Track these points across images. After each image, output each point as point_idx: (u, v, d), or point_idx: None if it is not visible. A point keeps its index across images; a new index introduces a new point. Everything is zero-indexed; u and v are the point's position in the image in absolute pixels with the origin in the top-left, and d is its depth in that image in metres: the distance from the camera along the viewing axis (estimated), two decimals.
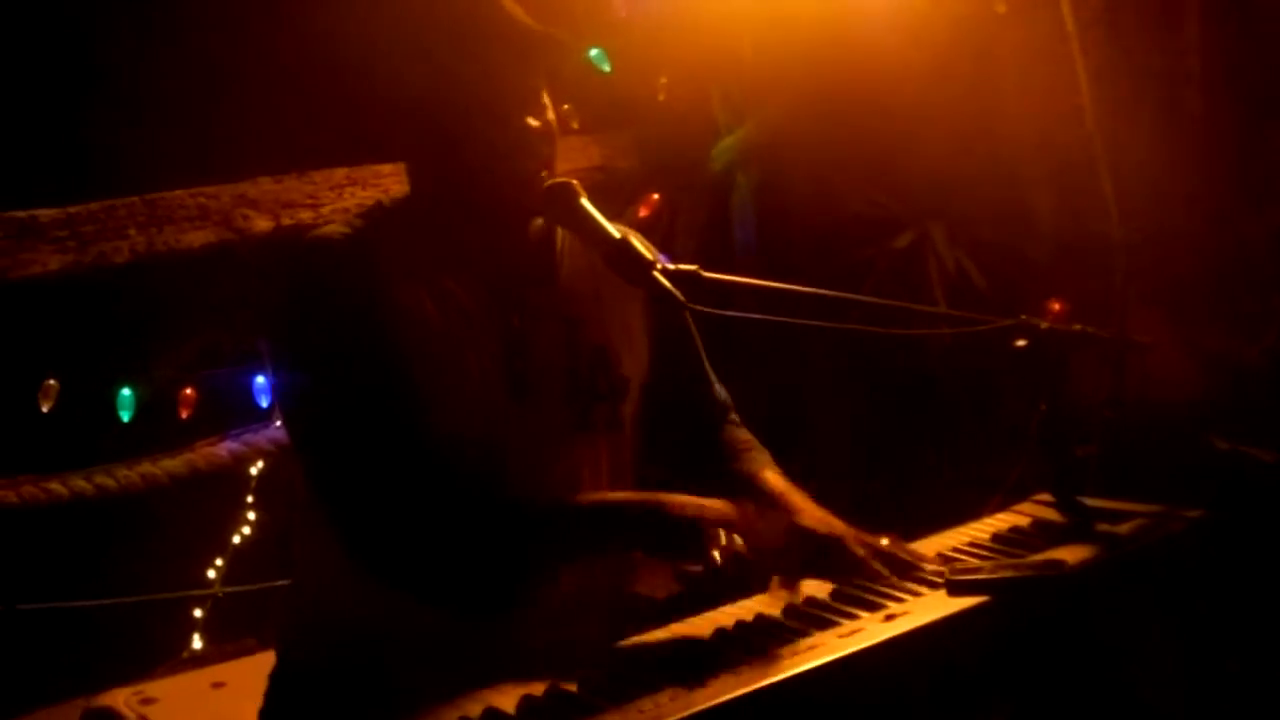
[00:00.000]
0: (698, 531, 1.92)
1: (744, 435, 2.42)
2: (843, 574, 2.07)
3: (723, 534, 1.90)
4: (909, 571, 2.09)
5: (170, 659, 4.00)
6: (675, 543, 1.95)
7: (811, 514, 2.19)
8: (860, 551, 2.09)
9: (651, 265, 2.03)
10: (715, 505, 1.98)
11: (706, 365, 2.41)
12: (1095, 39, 3.93)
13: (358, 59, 2.18)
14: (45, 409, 4.01)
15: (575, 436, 2.16)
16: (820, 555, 2.09)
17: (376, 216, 2.14)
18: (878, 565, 2.08)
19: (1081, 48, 3.78)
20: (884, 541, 2.14)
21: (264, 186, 4.10)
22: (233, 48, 4.35)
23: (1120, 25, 4.05)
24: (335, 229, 2.11)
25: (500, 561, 1.99)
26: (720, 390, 2.43)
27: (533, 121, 2.09)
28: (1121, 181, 3.79)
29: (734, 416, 2.44)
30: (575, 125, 4.52)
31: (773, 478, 2.30)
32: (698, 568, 1.89)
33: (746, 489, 2.28)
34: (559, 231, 2.22)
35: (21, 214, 3.74)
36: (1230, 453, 3.54)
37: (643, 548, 2.04)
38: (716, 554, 1.87)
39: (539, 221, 2.20)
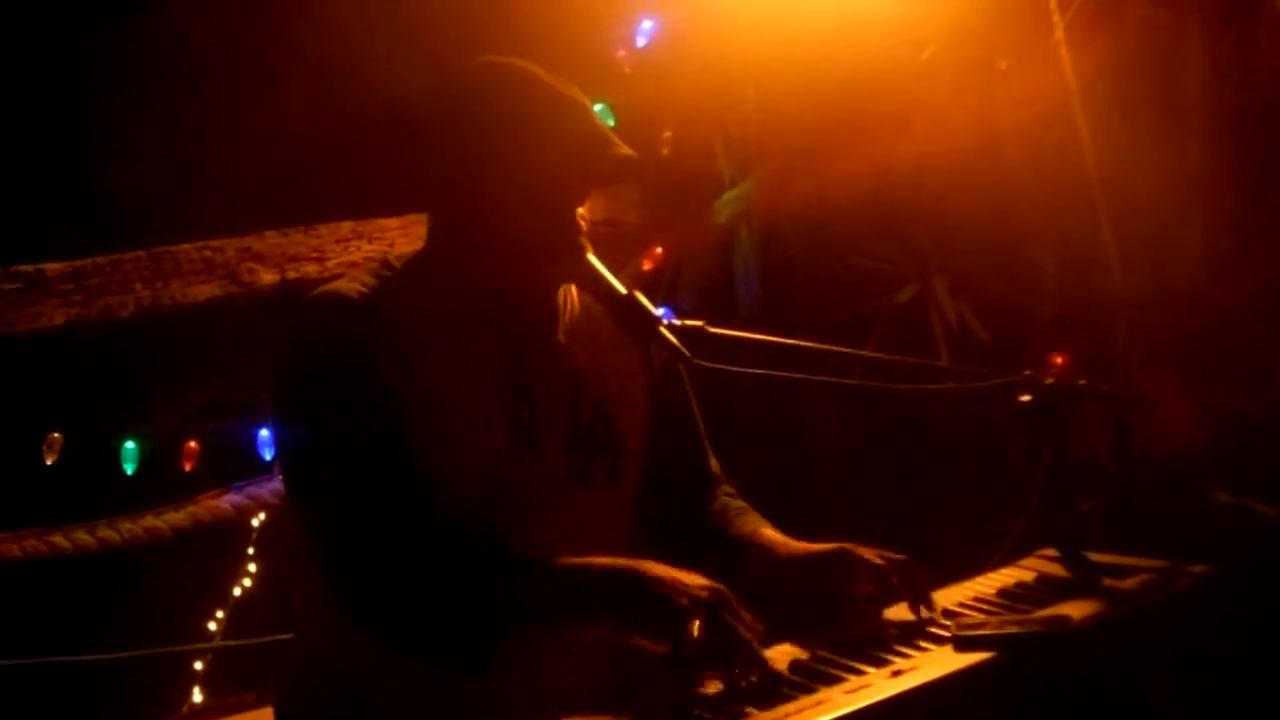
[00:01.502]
0: (675, 608, 1.88)
1: (738, 502, 2.43)
2: (861, 583, 2.12)
3: (695, 618, 1.86)
4: (921, 586, 2.13)
5: (170, 713, 3.99)
6: (650, 619, 1.90)
7: (818, 547, 2.22)
8: (879, 560, 2.15)
9: (659, 320, 2.05)
10: (695, 581, 1.93)
11: (703, 434, 2.42)
12: (1097, 95, 3.95)
13: (405, 116, 2.19)
14: (49, 461, 4.02)
15: (576, 487, 2.17)
16: (838, 567, 2.15)
17: (386, 273, 2.16)
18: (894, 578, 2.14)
19: (1083, 103, 3.80)
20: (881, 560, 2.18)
21: (269, 240, 4.12)
22: (238, 103, 4.38)
23: (1121, 80, 4.07)
24: (344, 285, 2.12)
25: (471, 618, 1.97)
26: (714, 462, 2.44)
27: (581, 220, 2.14)
28: (1124, 236, 3.81)
29: (728, 488, 2.45)
30: None
31: (771, 533, 2.32)
32: (663, 648, 1.87)
33: (746, 547, 2.29)
34: (561, 288, 2.24)
35: (28, 268, 3.76)
36: (1234, 506, 3.54)
37: (617, 620, 1.99)
38: (693, 631, 1.84)
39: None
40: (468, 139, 2.12)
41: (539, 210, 2.10)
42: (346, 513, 2.00)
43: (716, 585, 1.93)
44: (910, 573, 2.16)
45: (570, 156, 2.10)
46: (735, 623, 1.88)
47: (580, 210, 2.14)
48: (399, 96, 2.24)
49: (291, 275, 4.07)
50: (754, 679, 1.86)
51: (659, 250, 4.80)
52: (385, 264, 2.19)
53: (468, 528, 2.02)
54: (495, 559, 2.00)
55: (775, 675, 1.90)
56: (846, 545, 2.18)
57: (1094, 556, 2.39)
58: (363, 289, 2.10)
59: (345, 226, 4.22)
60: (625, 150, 2.14)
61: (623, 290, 2.08)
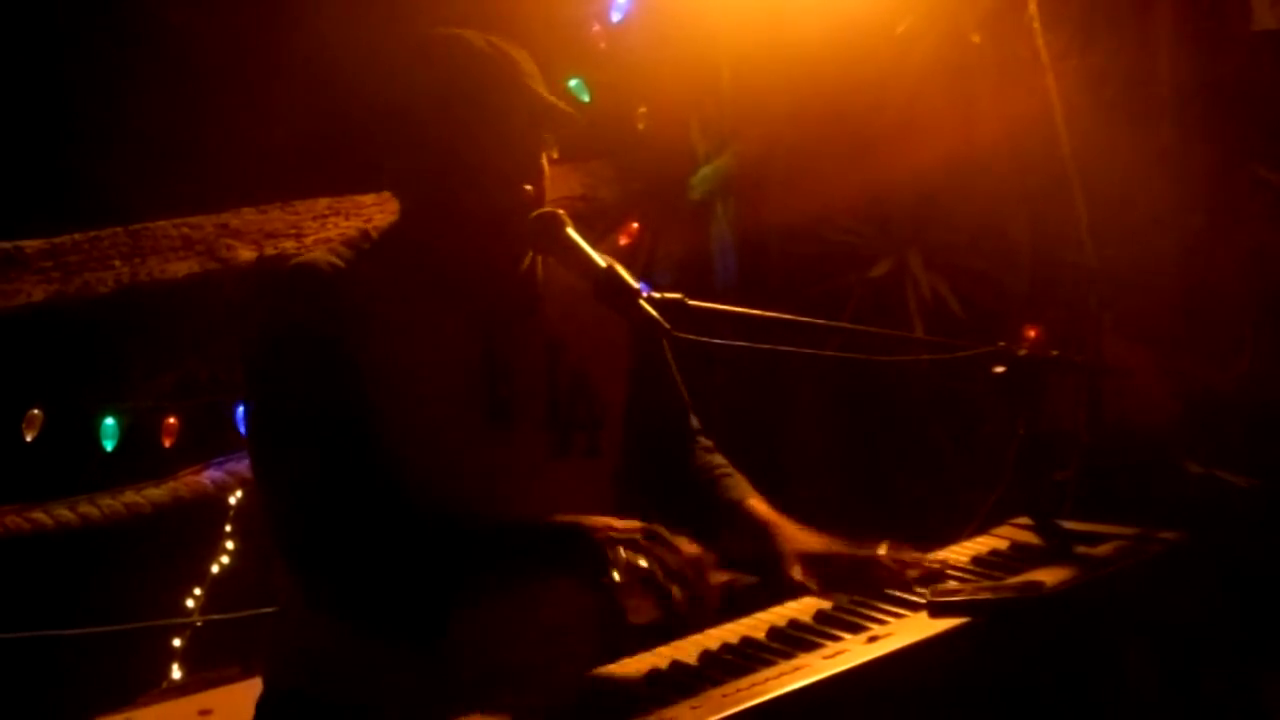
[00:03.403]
0: (600, 549, 1.90)
1: (718, 459, 2.45)
2: (850, 589, 2.13)
3: (622, 551, 1.88)
4: (905, 579, 2.15)
5: (149, 689, 3.99)
6: (583, 561, 1.93)
7: (806, 539, 2.24)
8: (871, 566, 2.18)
9: (638, 293, 2.05)
10: (625, 525, 1.97)
11: (684, 394, 2.44)
12: (1069, 69, 3.98)
13: (360, 88, 2.21)
14: (29, 438, 4.01)
15: (554, 463, 2.18)
16: (826, 573, 2.16)
17: (362, 246, 2.17)
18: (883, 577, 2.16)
19: (1055, 78, 3.83)
20: (881, 550, 2.20)
21: (247, 217, 4.11)
22: (215, 79, 4.37)
23: (1093, 56, 4.10)
24: (318, 257, 2.13)
25: (416, 595, 2.01)
26: (693, 418, 2.47)
27: (529, 188, 2.13)
28: (1095, 209, 3.83)
29: (705, 441, 2.47)
30: (555, 155, 4.54)
31: (758, 505, 2.34)
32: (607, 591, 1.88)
33: (731, 516, 2.32)
34: (539, 259, 2.25)
35: (7, 245, 3.74)
36: (1204, 477, 3.57)
37: (551, 568, 2.01)
38: (616, 574, 1.86)
39: (530, 258, 2.23)
40: (405, 115, 2.13)
41: (482, 176, 2.10)
42: (304, 485, 2.01)
43: (649, 525, 1.96)
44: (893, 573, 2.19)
45: (496, 115, 2.10)
46: (668, 552, 1.90)
47: (531, 186, 2.13)
48: (367, 74, 2.25)
49: (269, 252, 4.07)
50: (697, 601, 1.89)
51: (635, 226, 4.82)
52: (364, 236, 2.21)
53: (441, 504, 2.03)
54: (432, 527, 2.01)
55: (719, 594, 1.93)
56: (837, 551, 2.21)
57: (1066, 525, 2.42)
58: (337, 262, 2.11)
59: (322, 203, 4.22)
60: (548, 97, 2.14)
61: (602, 263, 2.09)
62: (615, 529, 1.95)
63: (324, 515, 1.99)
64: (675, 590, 1.86)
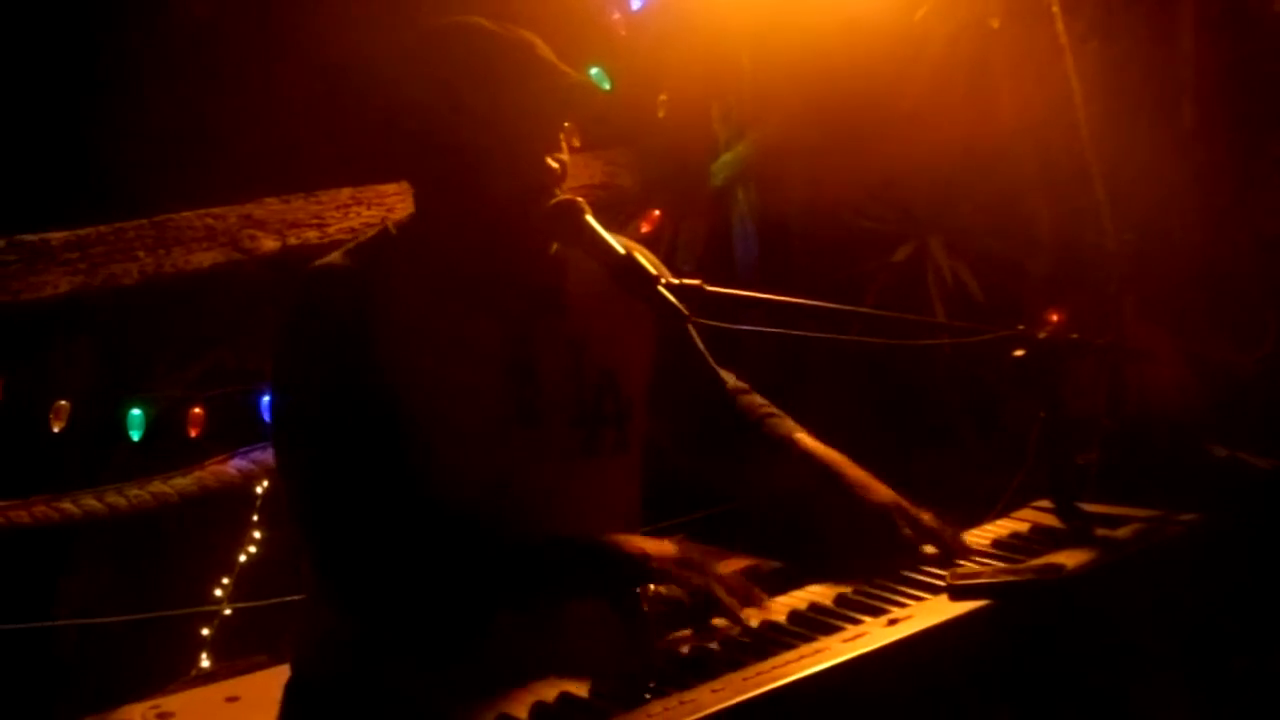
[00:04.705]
0: (632, 576, 1.93)
1: (759, 399, 2.45)
2: (890, 554, 2.16)
3: (655, 578, 1.91)
4: (955, 551, 2.19)
5: (178, 678, 4.02)
6: (609, 585, 1.95)
7: (858, 483, 2.29)
8: (908, 532, 2.20)
9: (656, 280, 2.04)
10: (661, 549, 1.97)
11: (711, 362, 2.43)
12: (1089, 52, 3.97)
13: (375, 81, 2.20)
14: (57, 429, 4.05)
15: (582, 461, 2.17)
16: (869, 536, 2.19)
17: (382, 244, 2.15)
18: (926, 546, 2.19)
19: (1076, 61, 3.82)
20: (926, 517, 2.23)
21: (270, 207, 4.14)
22: (239, 72, 4.39)
23: (1114, 38, 4.09)
24: (339, 258, 2.11)
25: (445, 599, 2.01)
26: (728, 376, 2.46)
27: (552, 163, 2.11)
28: (1117, 193, 3.83)
29: (742, 385, 2.47)
30: (576, 143, 4.55)
31: (807, 440, 2.36)
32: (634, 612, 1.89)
33: (780, 452, 2.34)
34: (563, 256, 2.24)
35: (32, 237, 3.78)
36: (1227, 460, 3.57)
37: (577, 587, 2.02)
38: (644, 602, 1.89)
39: (554, 247, 2.21)
40: (420, 105, 2.10)
41: (504, 156, 2.07)
42: (327, 487, 2.01)
43: (684, 552, 1.97)
44: (941, 542, 2.22)
45: (520, 93, 2.07)
46: (702, 576, 1.93)
47: (553, 162, 2.11)
48: (382, 66, 2.25)
49: (292, 242, 4.09)
50: (732, 632, 1.90)
51: (656, 213, 4.83)
52: (384, 232, 2.18)
53: (469, 505, 2.03)
54: (470, 539, 2.01)
55: (751, 630, 1.93)
56: (886, 507, 2.25)
57: (1087, 507, 2.42)
58: (357, 264, 2.10)
59: (345, 193, 4.23)
60: (574, 75, 2.11)
61: (621, 250, 2.09)
62: (651, 553, 1.95)
63: (344, 519, 2.00)
64: (715, 617, 1.88)
